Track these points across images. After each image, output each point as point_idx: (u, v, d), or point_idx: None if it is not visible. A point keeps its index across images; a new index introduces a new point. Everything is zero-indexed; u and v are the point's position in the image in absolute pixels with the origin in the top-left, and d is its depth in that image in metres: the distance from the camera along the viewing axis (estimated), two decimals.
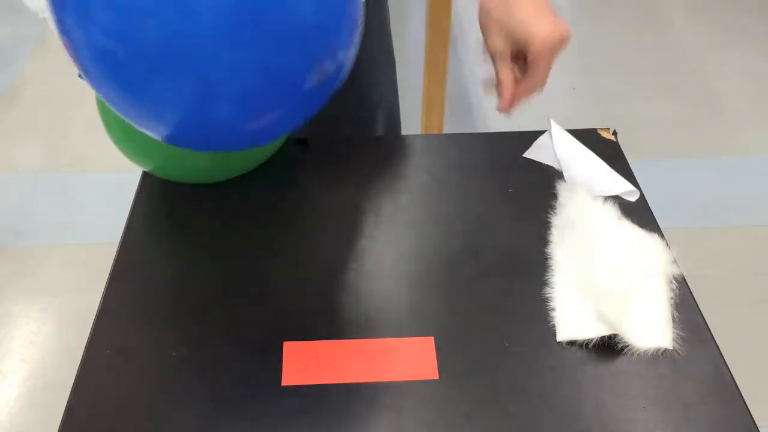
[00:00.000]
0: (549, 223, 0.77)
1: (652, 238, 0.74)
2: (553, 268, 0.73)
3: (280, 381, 0.63)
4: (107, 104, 0.56)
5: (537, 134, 0.90)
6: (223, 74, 0.49)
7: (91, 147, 2.02)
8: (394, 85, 1.12)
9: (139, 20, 0.45)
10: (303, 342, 0.66)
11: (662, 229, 0.77)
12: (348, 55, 0.58)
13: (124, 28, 0.46)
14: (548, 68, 0.75)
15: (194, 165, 0.78)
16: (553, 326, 0.68)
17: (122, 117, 0.56)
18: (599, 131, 0.91)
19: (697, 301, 0.70)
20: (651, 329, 0.66)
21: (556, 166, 0.85)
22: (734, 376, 0.64)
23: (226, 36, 0.47)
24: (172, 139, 0.58)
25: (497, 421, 0.61)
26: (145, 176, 0.85)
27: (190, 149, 0.60)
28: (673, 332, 0.66)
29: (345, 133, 1.00)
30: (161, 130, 0.56)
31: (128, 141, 0.77)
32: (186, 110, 0.52)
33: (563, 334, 0.67)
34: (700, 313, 0.69)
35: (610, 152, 0.87)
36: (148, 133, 0.59)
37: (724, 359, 0.65)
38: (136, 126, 0.58)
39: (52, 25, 0.64)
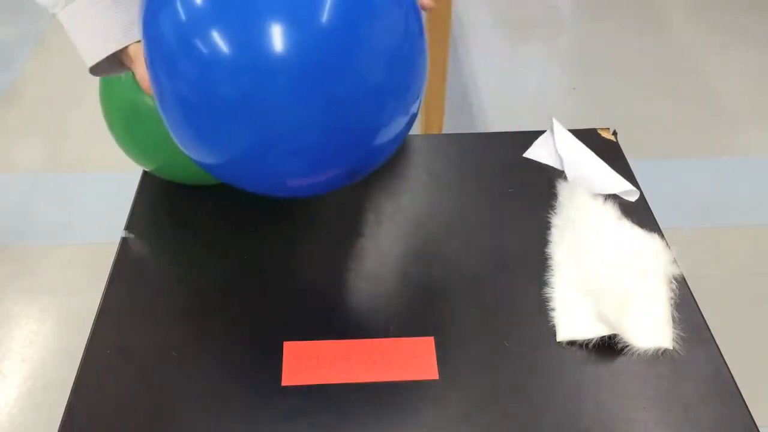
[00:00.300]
0: (549, 223, 0.77)
1: (652, 238, 0.74)
2: (553, 268, 0.73)
3: (280, 381, 0.63)
4: (177, 142, 0.59)
5: (537, 134, 0.90)
6: (288, 131, 0.52)
7: (91, 147, 2.02)
8: None
9: (217, 77, 0.50)
10: (303, 342, 0.66)
11: (662, 229, 0.77)
12: (414, 111, 0.59)
13: (204, 81, 0.51)
14: None
15: (196, 167, 0.78)
16: (553, 326, 0.68)
17: (184, 150, 0.60)
18: (599, 131, 0.91)
19: (697, 301, 0.70)
20: (651, 329, 0.66)
21: (556, 166, 0.85)
22: (734, 376, 0.64)
23: (293, 98, 0.51)
24: (226, 179, 0.61)
25: (497, 421, 0.61)
26: (145, 176, 0.85)
27: (242, 189, 0.62)
28: (673, 332, 0.66)
29: None
30: (218, 170, 0.59)
31: (131, 141, 0.77)
32: (249, 158, 0.55)
33: (563, 334, 0.67)
34: (700, 313, 0.69)
35: (610, 152, 0.87)
36: (204, 168, 0.60)
37: (724, 359, 0.65)
38: (195, 161, 0.60)
39: (61, 20, 0.64)
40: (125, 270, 0.74)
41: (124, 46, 0.64)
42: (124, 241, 0.77)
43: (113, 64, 0.66)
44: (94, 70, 0.66)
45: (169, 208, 0.82)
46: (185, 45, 0.51)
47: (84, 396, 0.63)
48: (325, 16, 0.50)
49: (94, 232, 1.80)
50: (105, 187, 1.91)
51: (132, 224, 0.79)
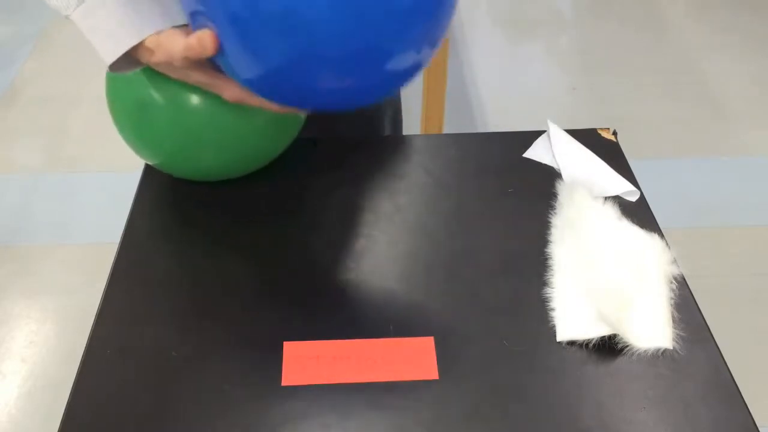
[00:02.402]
0: (549, 223, 0.77)
1: (652, 238, 0.74)
2: (553, 268, 0.73)
3: (280, 381, 0.63)
4: (233, 68, 0.63)
5: (537, 134, 0.90)
6: (322, 41, 0.57)
7: (91, 147, 2.02)
8: None
9: None
10: (303, 342, 0.66)
11: (662, 229, 0.77)
12: (442, 35, 0.64)
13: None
14: None
15: (201, 162, 0.78)
16: (553, 326, 0.68)
17: (240, 75, 0.64)
18: (599, 131, 0.91)
19: (697, 301, 0.70)
20: (651, 329, 0.66)
21: (556, 166, 0.85)
22: (734, 376, 0.64)
23: (331, 14, 0.56)
24: (262, 90, 0.64)
25: (497, 421, 0.61)
26: (146, 175, 0.85)
27: (284, 104, 0.67)
28: (673, 332, 0.66)
29: (353, 132, 0.99)
30: (257, 82, 0.63)
31: (136, 134, 0.76)
32: (286, 68, 0.60)
33: (563, 334, 0.67)
34: (700, 313, 0.69)
35: (610, 152, 0.87)
36: (243, 81, 0.64)
37: (724, 359, 0.65)
38: (236, 74, 0.64)
39: (75, 21, 0.65)
40: (125, 270, 0.74)
41: (139, 41, 0.65)
42: (124, 241, 0.77)
43: (129, 61, 0.67)
44: (113, 67, 0.67)
45: (169, 208, 0.82)
46: None
47: (84, 396, 0.63)
48: None
49: (94, 232, 1.80)
50: (105, 187, 1.91)
51: (132, 224, 0.79)
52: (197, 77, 0.68)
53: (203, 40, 0.61)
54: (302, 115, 0.81)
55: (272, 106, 0.68)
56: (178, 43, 0.63)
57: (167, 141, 0.75)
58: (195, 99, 0.72)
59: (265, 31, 0.57)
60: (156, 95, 0.72)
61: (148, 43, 0.65)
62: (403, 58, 0.61)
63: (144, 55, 0.66)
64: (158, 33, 0.65)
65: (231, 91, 0.68)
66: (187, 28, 0.65)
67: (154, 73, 0.71)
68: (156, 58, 0.66)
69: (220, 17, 0.59)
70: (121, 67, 0.68)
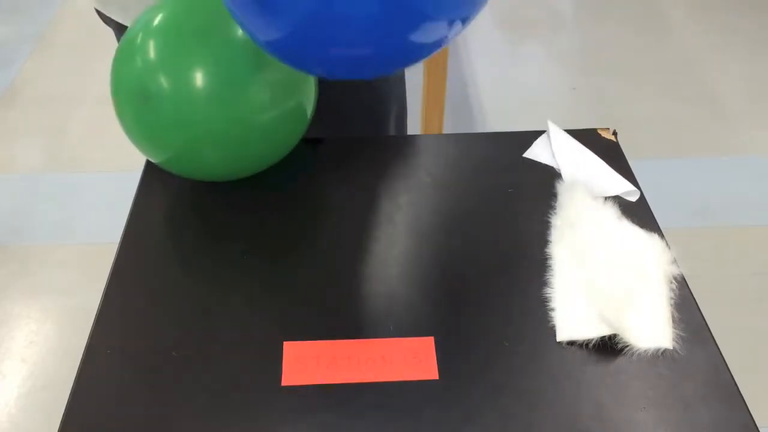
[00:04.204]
0: (549, 223, 0.77)
1: (652, 238, 0.74)
2: (552, 268, 0.73)
3: (280, 381, 0.64)
4: (238, 20, 0.61)
5: (537, 134, 0.90)
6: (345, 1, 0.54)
7: (91, 147, 2.02)
8: (402, 78, 1.12)
9: None
10: (303, 342, 0.67)
11: (662, 229, 0.77)
12: (478, 10, 0.60)
13: None
14: None
15: (205, 160, 0.77)
16: (553, 326, 0.68)
17: (244, 26, 0.61)
18: (599, 131, 0.91)
19: (697, 301, 0.70)
20: (651, 329, 0.66)
21: (556, 166, 0.85)
22: (734, 376, 0.64)
23: None
24: (277, 51, 0.62)
25: (497, 421, 0.61)
26: (146, 175, 0.85)
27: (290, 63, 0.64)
28: (673, 332, 0.66)
29: (359, 129, 0.99)
30: (272, 43, 0.60)
31: (141, 131, 0.75)
32: (304, 28, 0.56)
33: (563, 334, 0.67)
34: (700, 313, 0.69)
35: (610, 152, 0.87)
36: (258, 43, 0.62)
37: (724, 359, 0.65)
38: (251, 34, 0.62)
39: None
40: (125, 270, 0.74)
41: None
42: (124, 241, 0.77)
43: None
44: None
45: (170, 209, 0.82)
46: None
47: (84, 396, 0.63)
48: None
49: (94, 232, 1.80)
50: (105, 187, 1.91)
51: (132, 224, 0.79)
52: None
53: None
54: (309, 113, 0.80)
55: None
56: None
57: (171, 136, 0.74)
58: (201, 92, 0.71)
59: None
60: (162, 86, 0.71)
61: None
62: (431, 27, 0.57)
63: None
64: None
65: None
66: None
67: (160, 64, 0.70)
68: None
69: None
70: None
